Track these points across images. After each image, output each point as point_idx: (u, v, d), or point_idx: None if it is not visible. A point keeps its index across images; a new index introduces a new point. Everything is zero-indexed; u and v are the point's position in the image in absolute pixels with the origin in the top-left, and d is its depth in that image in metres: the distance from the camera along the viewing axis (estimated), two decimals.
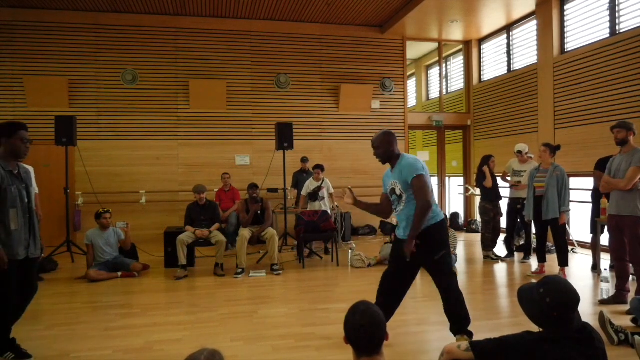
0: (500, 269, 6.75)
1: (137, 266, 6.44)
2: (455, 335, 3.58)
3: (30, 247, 3.48)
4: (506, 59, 10.21)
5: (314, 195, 7.85)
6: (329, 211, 7.81)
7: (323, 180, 7.97)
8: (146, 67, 9.61)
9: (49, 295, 5.45)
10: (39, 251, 3.61)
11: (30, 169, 6.42)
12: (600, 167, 5.54)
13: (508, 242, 7.34)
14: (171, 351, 3.63)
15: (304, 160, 8.83)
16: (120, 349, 3.70)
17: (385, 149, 3.74)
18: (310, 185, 7.95)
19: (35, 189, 6.38)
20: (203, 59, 9.85)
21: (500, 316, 4.59)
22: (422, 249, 3.44)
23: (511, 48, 10.08)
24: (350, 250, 7.13)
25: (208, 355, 1.61)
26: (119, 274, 6.27)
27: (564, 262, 5.96)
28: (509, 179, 7.25)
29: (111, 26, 9.46)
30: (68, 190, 7.65)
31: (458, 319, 3.61)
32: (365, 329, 1.81)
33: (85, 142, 8.89)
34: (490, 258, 7.23)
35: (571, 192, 6.48)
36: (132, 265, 6.38)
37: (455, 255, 6.76)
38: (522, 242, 7.67)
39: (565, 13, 8.47)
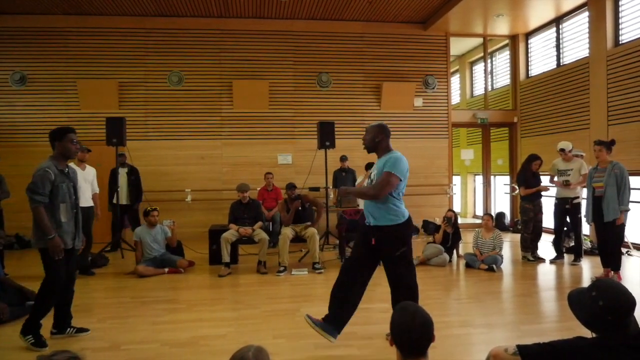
0: (549, 271, 6.51)
1: (183, 263, 6.62)
2: None
3: (76, 239, 3.92)
4: (555, 53, 9.83)
5: None
6: None
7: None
8: (191, 69, 9.85)
9: (101, 290, 5.69)
10: (80, 243, 4.03)
11: (92, 170, 6.77)
12: None
13: (557, 244, 7.07)
14: (215, 346, 3.70)
15: (343, 159, 8.85)
16: (167, 342, 3.81)
17: (372, 137, 3.79)
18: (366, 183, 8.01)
19: (95, 188, 6.73)
20: (246, 59, 10.00)
21: (548, 320, 4.44)
22: (384, 245, 3.53)
23: (561, 42, 9.70)
24: None
25: (255, 352, 1.64)
26: (166, 270, 6.45)
27: (616, 265, 5.67)
28: (556, 179, 6.94)
29: (158, 30, 9.76)
30: (118, 189, 7.94)
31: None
32: (418, 330, 1.78)
33: (134, 142, 9.19)
34: (527, 259, 7.00)
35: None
36: (178, 262, 6.56)
37: (501, 256, 6.58)
38: (572, 244, 7.36)
39: (620, 3, 8.07)
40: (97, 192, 6.83)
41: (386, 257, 3.62)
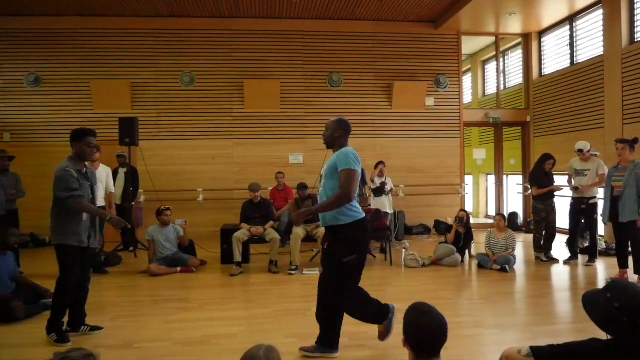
0: (562, 272, 6.44)
1: (195, 262, 6.66)
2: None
3: (92, 238, 3.97)
4: (569, 51, 9.73)
5: (379, 191, 7.90)
6: (391, 208, 8.05)
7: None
8: (203, 69, 9.91)
9: (114, 288, 5.75)
10: (97, 243, 4.09)
11: (107, 169, 6.83)
12: None
13: (571, 244, 6.99)
14: (227, 345, 3.72)
15: None
16: (179, 341, 3.84)
17: (331, 133, 3.58)
18: (376, 180, 8.10)
19: (110, 187, 6.78)
20: (257, 59, 10.03)
21: (562, 321, 4.40)
22: (334, 246, 3.35)
23: (574, 40, 9.59)
24: (403, 250, 7.05)
25: (266, 351, 1.65)
26: (178, 269, 6.49)
27: (638, 268, 5.56)
28: (573, 181, 6.84)
29: (170, 30, 9.83)
30: (131, 189, 8.01)
31: (324, 333, 3.46)
32: (434, 331, 1.77)
33: (146, 142, 9.25)
34: (540, 260, 6.92)
35: None
36: (190, 261, 6.60)
37: (514, 256, 6.52)
38: (586, 244, 7.27)
39: (635, 0, 7.95)
40: (113, 191, 6.88)
41: (331, 263, 3.40)
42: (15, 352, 3.64)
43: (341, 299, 3.38)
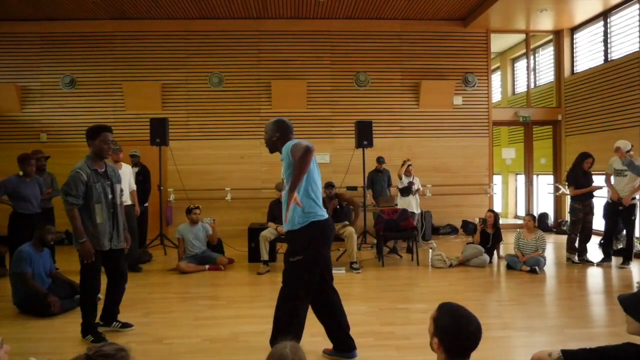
0: (595, 274, 6.29)
1: (223, 260, 6.75)
2: None
3: (114, 239, 3.88)
4: (603, 48, 9.46)
5: (407, 190, 7.89)
6: (418, 208, 8.07)
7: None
8: (231, 70, 10.04)
9: (145, 285, 5.88)
10: (123, 243, 3.99)
11: (129, 168, 6.99)
12: None
13: (605, 246, 6.80)
14: (254, 343, 3.77)
15: (380, 160, 8.75)
16: (208, 338, 3.91)
17: (270, 137, 3.38)
18: (404, 180, 8.14)
19: (132, 186, 6.90)
20: (284, 60, 10.09)
21: (594, 324, 4.30)
22: (289, 247, 3.25)
23: (608, 36, 9.32)
24: (430, 250, 6.99)
25: (292, 348, 1.68)
26: (207, 266, 6.60)
27: None
28: (612, 179, 6.59)
29: (199, 32, 9.99)
30: (161, 187, 8.18)
31: (276, 333, 3.21)
32: (473, 335, 1.76)
33: (176, 142, 9.43)
34: (572, 261, 6.75)
35: None
36: (218, 259, 6.70)
37: (544, 257, 6.39)
38: (620, 246, 7.07)
39: None
40: (134, 189, 7.00)
41: (284, 262, 3.30)
42: (51, 346, 3.77)
43: (300, 295, 3.22)
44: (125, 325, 4.11)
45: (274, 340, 3.15)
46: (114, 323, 4.08)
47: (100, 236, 3.75)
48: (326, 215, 3.27)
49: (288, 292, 3.23)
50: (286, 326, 3.14)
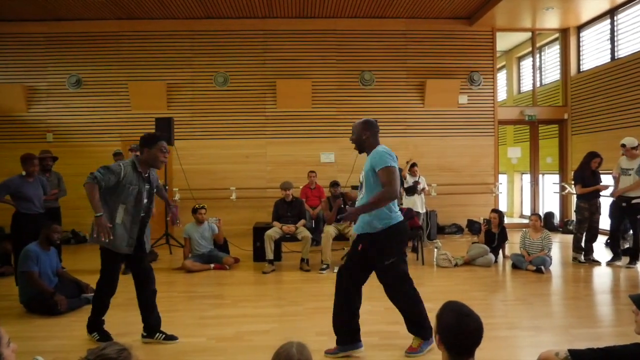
0: (601, 273, 6.25)
1: (229, 259, 6.77)
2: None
3: (134, 244, 3.71)
4: (609, 46, 9.40)
5: (412, 190, 7.89)
6: (423, 207, 8.15)
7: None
8: (236, 69, 10.05)
9: None
10: (146, 249, 3.98)
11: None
12: None
13: (612, 245, 6.76)
14: (260, 342, 3.78)
15: None
16: (213, 337, 3.92)
17: (359, 136, 3.51)
18: (409, 179, 8.19)
19: None
20: (289, 59, 10.10)
21: (602, 324, 4.27)
22: (374, 252, 3.35)
23: (615, 34, 9.26)
24: (435, 249, 6.97)
25: (299, 348, 1.68)
26: (212, 265, 6.62)
27: None
28: (621, 178, 6.54)
29: (204, 32, 10.00)
30: (167, 187, 8.20)
31: (417, 326, 3.49)
32: (473, 333, 1.76)
33: (181, 142, 9.45)
34: (578, 261, 6.71)
35: None
36: (224, 259, 6.71)
37: (550, 257, 6.36)
38: (626, 246, 7.01)
39: None
40: None
41: (376, 269, 3.48)
42: (58, 345, 3.79)
43: (407, 286, 3.48)
44: (169, 338, 3.80)
45: (426, 330, 3.44)
46: (157, 335, 3.81)
47: (116, 238, 3.59)
48: (401, 217, 3.45)
49: (401, 291, 3.46)
50: (421, 315, 3.44)
